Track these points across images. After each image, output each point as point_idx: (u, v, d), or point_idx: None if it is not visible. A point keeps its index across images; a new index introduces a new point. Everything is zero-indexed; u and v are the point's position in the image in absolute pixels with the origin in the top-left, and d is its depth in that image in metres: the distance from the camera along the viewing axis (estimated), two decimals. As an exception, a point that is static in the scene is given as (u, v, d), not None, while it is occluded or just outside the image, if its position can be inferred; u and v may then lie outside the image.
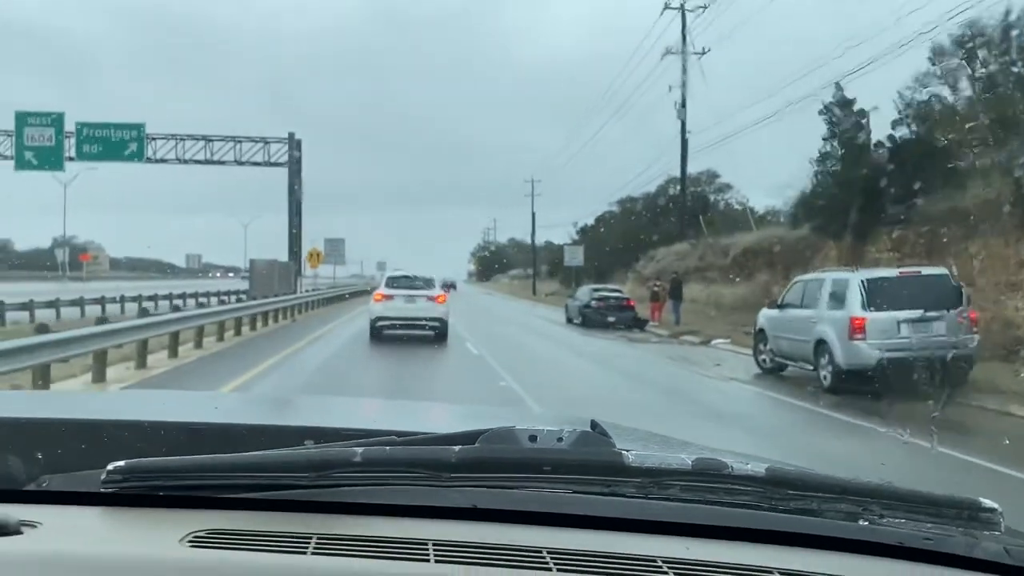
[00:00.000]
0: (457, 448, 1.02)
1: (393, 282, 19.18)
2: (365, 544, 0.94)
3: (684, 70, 46.47)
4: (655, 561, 0.93)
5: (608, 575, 0.90)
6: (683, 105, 46.51)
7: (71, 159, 40.59)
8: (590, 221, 62.52)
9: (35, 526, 0.96)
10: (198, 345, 16.42)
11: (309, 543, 0.94)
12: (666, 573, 0.91)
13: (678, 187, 52.56)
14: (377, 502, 1.02)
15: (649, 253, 45.15)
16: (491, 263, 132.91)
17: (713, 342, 21.01)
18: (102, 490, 1.02)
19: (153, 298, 30.69)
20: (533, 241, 77.33)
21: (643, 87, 72.41)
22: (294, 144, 43.04)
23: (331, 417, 1.65)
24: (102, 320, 12.88)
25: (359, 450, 1.01)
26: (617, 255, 49.92)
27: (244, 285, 38.49)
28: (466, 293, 68.81)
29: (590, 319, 26.07)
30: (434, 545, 0.93)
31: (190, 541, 0.93)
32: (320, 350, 17.04)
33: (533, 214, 76.46)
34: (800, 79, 36.44)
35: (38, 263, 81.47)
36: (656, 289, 27.20)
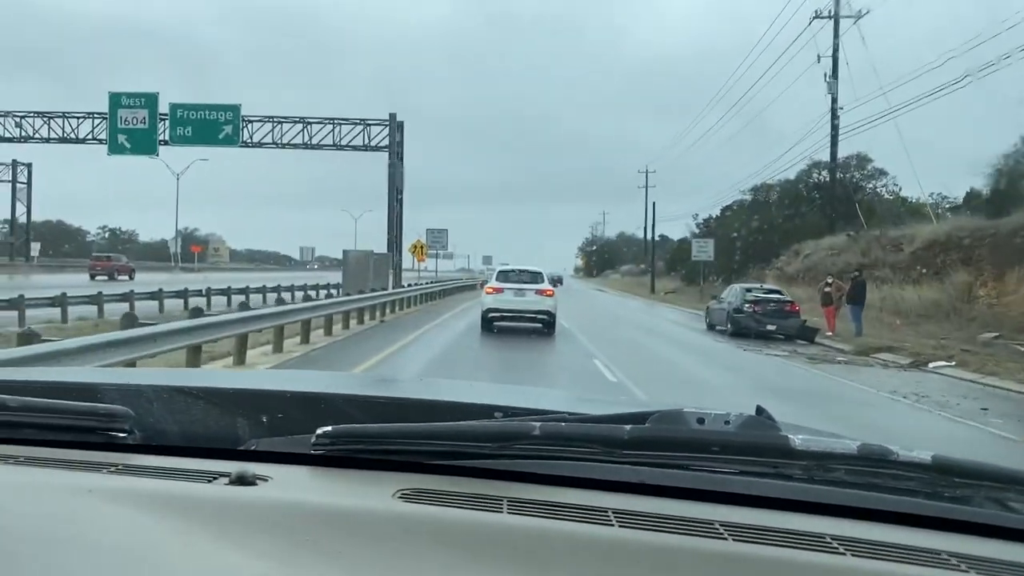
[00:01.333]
0: (629, 427, 1.04)
1: (504, 276, 19.60)
2: (551, 508, 0.98)
3: (836, 35, 40.22)
4: (824, 538, 0.93)
5: (782, 548, 0.90)
6: (834, 75, 40.19)
7: (164, 143, 38.55)
8: (714, 212, 56.60)
9: (266, 479, 1.04)
10: (244, 360, 12.35)
11: (502, 504, 0.99)
12: (836, 548, 0.91)
13: (823, 173, 46.02)
14: (554, 473, 1.06)
15: (793, 247, 39.00)
16: (599, 258, 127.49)
17: (931, 365, 15.43)
18: (312, 452, 1.10)
19: (226, 291, 27.66)
20: (650, 234, 71.61)
21: (775, 68, 65.23)
22: (395, 126, 39.63)
23: (513, 398, 1.57)
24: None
25: (537, 424, 1.05)
26: (751, 249, 43.85)
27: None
28: (575, 289, 63.73)
29: (743, 327, 20.84)
30: (614, 513, 0.97)
31: (400, 496, 1.00)
32: (402, 372, 12.66)
33: (652, 204, 71.05)
34: (990, 39, 29.45)
35: (159, 254, 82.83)
36: (829, 291, 21.62)
